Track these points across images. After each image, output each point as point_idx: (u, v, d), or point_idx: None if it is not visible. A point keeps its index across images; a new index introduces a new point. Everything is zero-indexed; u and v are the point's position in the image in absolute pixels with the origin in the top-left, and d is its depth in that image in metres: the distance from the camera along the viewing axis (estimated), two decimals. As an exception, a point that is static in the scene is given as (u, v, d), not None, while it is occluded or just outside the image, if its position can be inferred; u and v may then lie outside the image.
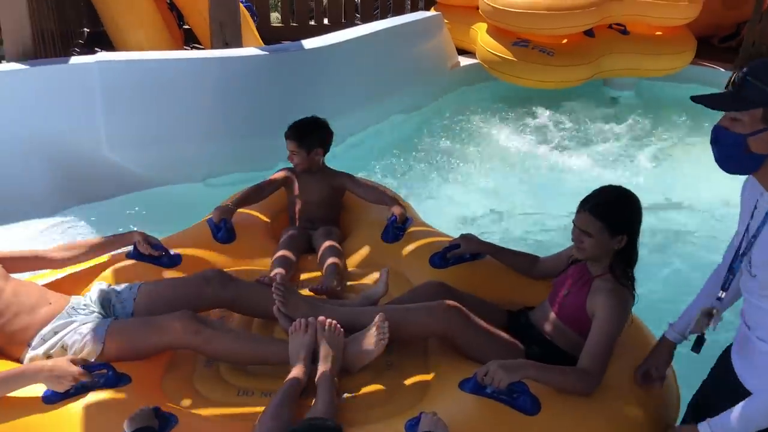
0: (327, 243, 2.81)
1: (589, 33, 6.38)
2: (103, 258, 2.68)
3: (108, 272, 2.59)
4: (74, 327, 2.20)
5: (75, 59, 4.51)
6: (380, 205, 3.04)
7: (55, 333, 2.19)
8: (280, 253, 2.76)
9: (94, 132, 4.41)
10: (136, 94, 4.48)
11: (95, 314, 2.30)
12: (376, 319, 2.04)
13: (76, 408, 1.88)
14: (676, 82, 6.57)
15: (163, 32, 6.03)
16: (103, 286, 2.43)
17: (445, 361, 2.10)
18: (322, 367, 2.00)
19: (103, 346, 2.13)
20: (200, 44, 6.54)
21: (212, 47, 5.12)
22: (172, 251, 2.73)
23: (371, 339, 2.05)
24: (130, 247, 2.69)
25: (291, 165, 3.12)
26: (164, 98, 4.53)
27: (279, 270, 2.62)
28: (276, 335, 2.32)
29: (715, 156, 1.57)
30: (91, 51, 5.85)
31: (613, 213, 2.03)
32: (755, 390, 1.63)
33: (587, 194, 2.10)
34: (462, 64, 6.71)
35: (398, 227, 2.88)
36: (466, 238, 2.62)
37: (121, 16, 5.84)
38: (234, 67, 4.75)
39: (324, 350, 2.04)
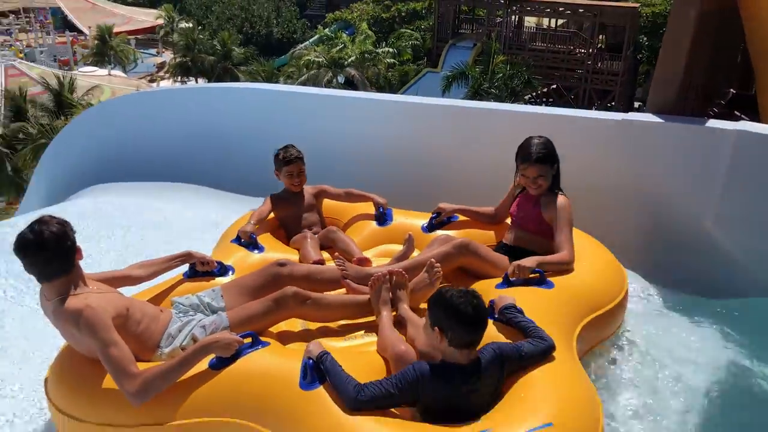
0: (341, 235, 3.71)
1: None
2: (163, 283, 3.16)
3: (174, 290, 3.11)
4: (194, 324, 2.75)
5: (712, 122, 4.35)
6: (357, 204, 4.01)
7: (180, 330, 2.72)
8: (309, 247, 3.57)
9: (704, 201, 4.24)
10: (768, 176, 4.03)
11: (200, 314, 2.85)
12: (428, 263, 3.01)
13: (241, 368, 2.48)
14: None
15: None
16: (183, 298, 2.94)
17: (472, 282, 3.15)
18: (402, 304, 2.89)
19: (229, 329, 2.70)
20: None
21: None
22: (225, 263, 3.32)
23: (427, 279, 2.99)
24: (185, 269, 3.23)
25: (273, 194, 3.93)
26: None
27: (317, 256, 3.49)
28: None
29: None
30: (731, 114, 5.60)
31: (551, 154, 3.30)
32: None
33: (520, 147, 3.34)
34: None
35: (386, 213, 3.86)
36: (442, 206, 3.74)
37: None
38: None
39: (398, 293, 2.92)
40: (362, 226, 3.88)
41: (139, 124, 6.64)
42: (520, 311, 2.67)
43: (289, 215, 3.95)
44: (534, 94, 25.38)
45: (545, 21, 27.68)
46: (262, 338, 2.64)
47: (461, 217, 3.78)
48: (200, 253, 3.25)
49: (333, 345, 2.70)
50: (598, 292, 3.07)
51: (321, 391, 2.33)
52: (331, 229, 3.80)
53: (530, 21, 27.98)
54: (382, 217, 3.87)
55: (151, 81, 35.84)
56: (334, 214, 4.06)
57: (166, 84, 34.67)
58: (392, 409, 2.34)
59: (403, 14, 32.70)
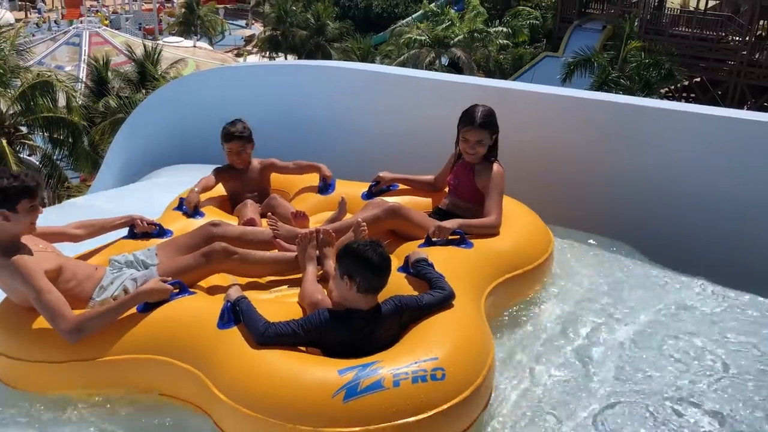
0: (280, 201, 4.27)
1: None
2: (105, 244, 3.68)
3: (113, 249, 3.62)
4: (126, 276, 3.25)
5: None
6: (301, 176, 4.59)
7: (112, 282, 3.21)
8: (246, 211, 4.09)
9: None
10: None
11: (132, 269, 3.33)
12: (354, 222, 3.55)
13: (165, 311, 3.03)
14: None
15: None
16: (119, 256, 3.42)
17: (401, 243, 3.74)
18: (327, 260, 3.36)
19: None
20: None
21: None
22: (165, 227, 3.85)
23: (353, 239, 3.39)
24: (125, 232, 3.75)
25: (218, 167, 4.46)
26: None
27: (251, 215, 4.00)
28: None
29: None
30: None
31: (493, 121, 3.81)
32: None
33: (465, 113, 3.84)
34: None
35: (328, 183, 4.43)
36: (381, 175, 4.31)
37: None
38: None
39: (324, 250, 3.40)
40: (307, 197, 4.44)
41: (219, 102, 6.82)
42: (431, 265, 3.20)
43: (235, 189, 4.42)
44: (672, 87, 24.30)
45: (692, 2, 26.41)
46: (191, 290, 3.20)
47: (402, 186, 4.31)
48: (141, 216, 3.78)
49: (258, 297, 3.16)
50: (518, 254, 3.63)
51: (235, 330, 2.88)
52: (272, 196, 4.33)
53: (673, 1, 26.78)
54: (325, 188, 4.42)
55: (238, 55, 37.18)
56: (281, 187, 4.60)
57: (253, 59, 35.86)
58: (302, 348, 2.84)
59: (521, -11, 32.16)
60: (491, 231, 3.67)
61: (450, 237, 3.56)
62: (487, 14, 27.72)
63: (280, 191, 4.54)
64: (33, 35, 32.09)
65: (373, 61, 27.88)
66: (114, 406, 2.98)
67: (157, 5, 43.01)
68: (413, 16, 32.96)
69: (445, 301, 3.01)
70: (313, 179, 4.50)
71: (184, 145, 6.98)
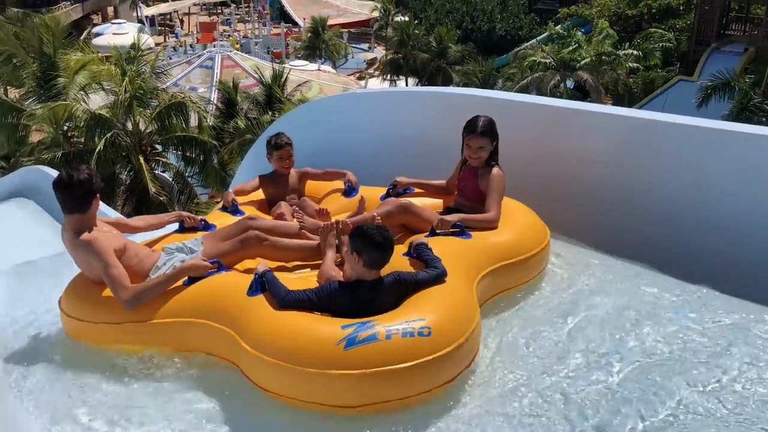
0: (309, 202, 5.13)
1: None
2: (157, 236, 4.48)
3: (167, 240, 4.37)
4: (177, 259, 3.94)
5: None
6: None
7: (165, 264, 3.89)
8: (282, 207, 4.86)
9: None
10: None
11: (182, 254, 4.02)
12: (370, 217, 4.18)
13: (205, 284, 3.74)
14: None
15: None
16: (171, 244, 4.13)
17: (410, 235, 4.29)
18: (345, 248, 3.80)
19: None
20: None
21: None
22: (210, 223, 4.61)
23: None
24: (176, 226, 4.55)
25: (263, 174, 5.34)
26: None
27: (283, 210, 4.79)
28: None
29: None
30: None
31: (493, 130, 4.34)
32: None
33: (468, 122, 4.38)
34: None
35: (353, 188, 5.20)
36: (398, 180, 4.90)
37: None
38: None
39: (343, 239, 4.00)
40: (333, 198, 5.27)
41: (345, 126, 6.97)
42: (430, 249, 3.76)
43: (275, 194, 5.19)
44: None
45: None
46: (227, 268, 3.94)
47: (417, 189, 4.89)
48: (189, 213, 4.53)
49: (285, 276, 3.76)
50: (512, 246, 4.13)
51: (261, 298, 3.54)
52: (303, 199, 5.17)
53: (826, 21, 24.96)
54: (349, 191, 5.16)
55: (360, 78, 38.05)
56: (312, 192, 5.44)
57: (374, 82, 36.60)
58: (315, 313, 3.43)
59: (653, 11, 31.09)
60: (490, 225, 4.18)
61: (451, 229, 4.08)
62: (616, 37, 26.97)
63: (310, 196, 5.39)
64: (170, 58, 34.17)
65: (494, 84, 27.76)
66: (157, 360, 3.65)
67: (285, 30, 44.85)
68: (538, 38, 32.58)
69: (437, 278, 3.57)
70: (339, 185, 5.34)
71: (311, 166, 7.18)
